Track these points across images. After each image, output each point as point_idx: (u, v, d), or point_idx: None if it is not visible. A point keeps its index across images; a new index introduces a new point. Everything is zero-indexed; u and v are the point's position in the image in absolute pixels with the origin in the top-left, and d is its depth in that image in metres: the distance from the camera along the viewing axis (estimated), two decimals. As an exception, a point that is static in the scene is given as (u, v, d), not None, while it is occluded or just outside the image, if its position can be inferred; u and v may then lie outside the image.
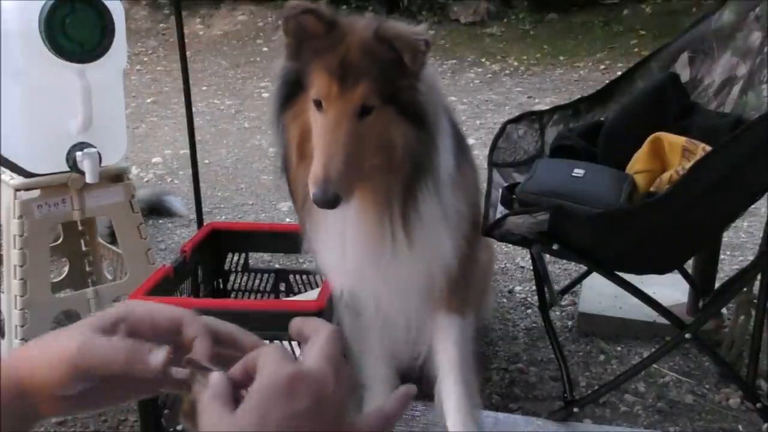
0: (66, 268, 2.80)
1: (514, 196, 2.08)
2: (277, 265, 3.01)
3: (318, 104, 1.53)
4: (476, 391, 2.01)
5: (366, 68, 1.50)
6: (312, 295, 2.18)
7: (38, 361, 0.74)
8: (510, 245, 2.43)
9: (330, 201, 1.46)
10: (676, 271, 2.50)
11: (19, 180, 2.28)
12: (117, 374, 0.73)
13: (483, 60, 8.25)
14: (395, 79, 1.53)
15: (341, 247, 1.73)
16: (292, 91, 1.61)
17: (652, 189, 2.05)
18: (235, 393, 0.69)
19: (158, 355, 0.73)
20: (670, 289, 2.61)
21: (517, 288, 3.05)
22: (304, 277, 2.47)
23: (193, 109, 2.84)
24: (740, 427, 2.16)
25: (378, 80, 1.51)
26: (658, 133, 2.16)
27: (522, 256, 3.28)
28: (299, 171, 1.67)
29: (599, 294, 2.72)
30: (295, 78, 1.60)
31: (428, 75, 1.61)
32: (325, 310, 1.83)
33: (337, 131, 1.48)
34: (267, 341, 0.85)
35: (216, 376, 0.70)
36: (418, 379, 1.97)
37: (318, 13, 1.53)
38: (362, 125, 1.51)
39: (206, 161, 4.88)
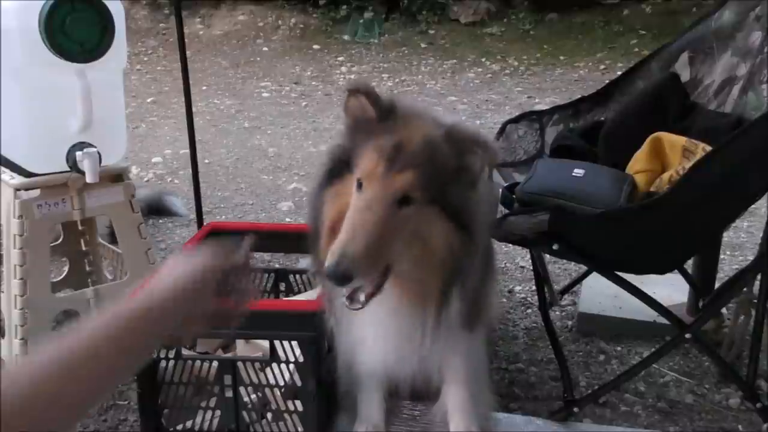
0: (66, 268, 2.80)
1: (514, 196, 2.08)
2: (277, 265, 3.01)
3: (359, 185, 1.48)
4: (489, 396, 2.02)
5: (420, 159, 1.45)
6: (312, 294, 2.18)
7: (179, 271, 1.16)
8: (510, 245, 2.44)
9: (340, 277, 1.39)
10: (676, 271, 2.50)
11: (19, 180, 2.28)
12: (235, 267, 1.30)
13: (483, 60, 8.25)
14: (449, 181, 1.49)
15: (372, 337, 1.74)
16: (338, 169, 1.57)
17: (652, 189, 2.05)
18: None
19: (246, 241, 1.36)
20: (670, 289, 2.61)
21: (517, 288, 3.05)
22: (304, 276, 2.46)
23: (193, 109, 2.84)
24: (740, 427, 2.16)
25: (429, 175, 1.45)
26: (658, 133, 2.16)
27: (522, 256, 3.28)
28: (329, 250, 1.62)
29: (599, 294, 2.72)
30: (344, 157, 1.55)
31: (484, 185, 1.56)
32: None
33: (369, 212, 1.42)
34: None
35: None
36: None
37: (374, 97, 1.51)
38: (399, 215, 1.44)
39: (206, 161, 4.88)
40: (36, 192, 2.29)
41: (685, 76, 2.42)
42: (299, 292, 2.45)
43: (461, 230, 1.52)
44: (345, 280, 1.40)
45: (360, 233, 1.40)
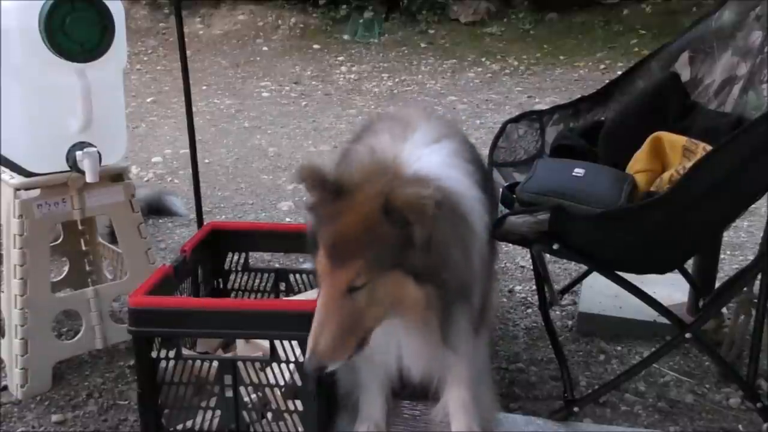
0: (66, 268, 2.80)
1: (514, 196, 2.08)
2: (277, 265, 3.01)
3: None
4: (492, 397, 2.04)
5: (360, 248, 1.52)
6: (312, 294, 2.18)
7: None
8: (510, 245, 2.44)
9: (316, 370, 1.59)
10: (676, 271, 2.50)
11: (19, 179, 2.28)
12: None
13: (483, 60, 8.25)
14: (400, 252, 1.52)
15: (388, 345, 1.78)
16: (314, 242, 1.64)
17: (652, 189, 2.05)
18: None
19: None
20: (670, 289, 2.61)
21: (517, 287, 3.05)
22: (304, 276, 2.46)
23: (193, 109, 2.84)
24: (740, 426, 2.16)
25: (375, 258, 1.52)
26: (658, 133, 2.16)
27: (522, 256, 3.28)
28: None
29: (599, 294, 2.72)
30: (313, 235, 1.63)
31: (444, 231, 1.56)
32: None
33: (327, 309, 1.55)
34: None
35: None
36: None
37: (323, 179, 1.55)
38: (357, 298, 1.54)
39: (206, 161, 4.88)
40: (36, 192, 2.29)
41: (685, 75, 2.41)
42: (299, 292, 2.45)
43: (434, 281, 1.55)
44: (320, 371, 1.60)
45: (323, 330, 1.54)
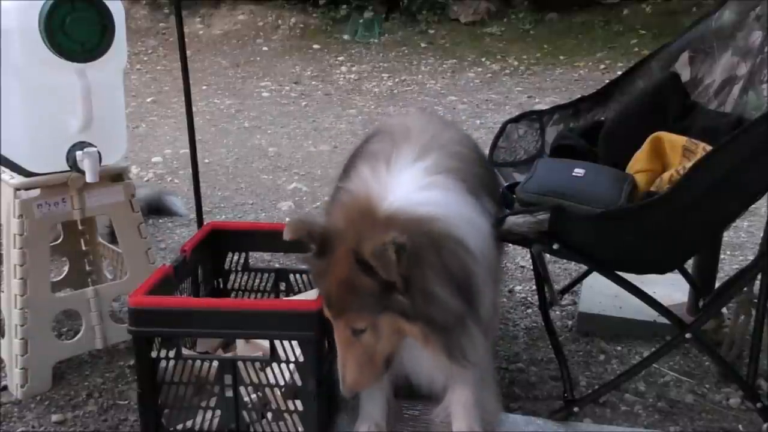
0: (66, 268, 2.80)
1: (514, 196, 2.08)
2: (277, 265, 3.01)
3: None
4: (495, 399, 2.04)
5: (349, 300, 1.64)
6: (312, 294, 2.18)
7: None
8: (510, 245, 2.43)
9: (351, 396, 1.79)
10: (676, 271, 2.50)
11: (19, 179, 2.28)
12: None
13: (483, 60, 8.25)
14: (383, 298, 1.61)
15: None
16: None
17: (652, 189, 2.05)
18: None
19: None
20: (670, 289, 2.61)
21: (517, 288, 3.05)
22: (304, 276, 2.46)
23: (193, 109, 2.84)
24: (740, 426, 2.16)
25: (362, 308, 1.64)
26: (658, 133, 2.16)
27: (522, 256, 3.28)
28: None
29: (599, 294, 2.72)
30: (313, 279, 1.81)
31: (426, 265, 1.60)
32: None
33: (342, 347, 1.70)
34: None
35: None
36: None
37: (311, 235, 1.66)
38: (361, 340, 1.68)
39: (206, 161, 4.88)
40: (36, 192, 2.29)
41: (685, 75, 2.41)
42: (299, 291, 2.45)
43: (424, 317, 1.62)
44: (356, 395, 1.83)
45: (345, 367, 1.70)
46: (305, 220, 1.72)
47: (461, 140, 2.05)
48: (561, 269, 3.18)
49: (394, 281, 1.57)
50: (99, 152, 2.25)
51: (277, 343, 1.86)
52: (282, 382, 1.88)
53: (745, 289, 2.26)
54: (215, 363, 1.92)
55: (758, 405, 2.06)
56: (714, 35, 2.36)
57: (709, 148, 1.96)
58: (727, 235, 3.33)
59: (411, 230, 1.58)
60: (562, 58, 8.16)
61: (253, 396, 1.92)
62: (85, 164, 2.22)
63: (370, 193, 1.70)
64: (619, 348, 2.57)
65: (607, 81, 2.64)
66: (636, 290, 1.99)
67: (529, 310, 2.86)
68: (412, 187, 1.71)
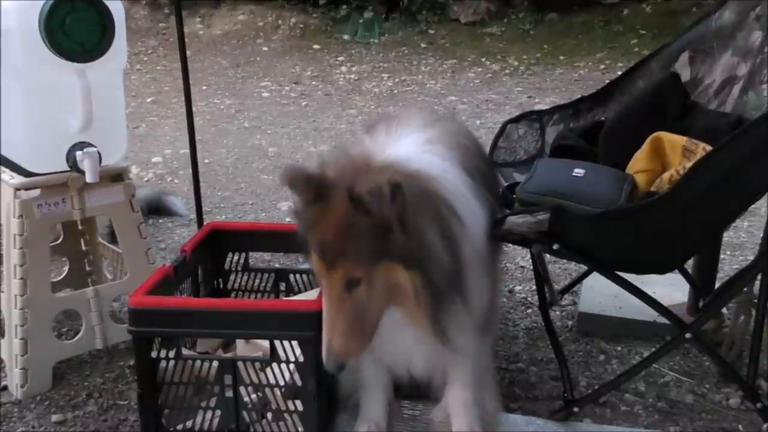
0: (66, 268, 2.80)
1: (514, 196, 2.08)
2: (277, 265, 3.01)
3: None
4: (495, 399, 2.05)
5: (344, 247, 1.56)
6: (312, 294, 2.18)
7: None
8: (510, 245, 2.43)
9: (337, 369, 1.63)
10: (676, 271, 2.50)
11: (19, 179, 2.28)
12: None
13: (483, 60, 8.25)
14: (380, 241, 1.55)
15: (388, 343, 1.79)
16: (305, 244, 1.68)
17: (652, 189, 2.05)
18: None
19: None
20: (670, 289, 2.61)
21: (517, 288, 3.05)
22: (304, 276, 2.46)
23: (193, 109, 2.84)
24: (740, 426, 2.16)
25: (360, 253, 1.56)
26: (658, 133, 2.16)
27: (522, 256, 3.28)
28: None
29: (599, 294, 2.72)
30: (302, 238, 1.67)
31: (417, 212, 1.57)
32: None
33: (332, 307, 1.60)
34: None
35: None
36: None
37: (308, 180, 1.58)
38: (357, 294, 1.59)
39: (206, 161, 4.88)
40: (36, 192, 2.29)
41: (685, 75, 2.41)
42: (299, 292, 2.45)
43: (418, 266, 1.58)
44: (341, 369, 1.64)
45: (334, 330, 1.60)
46: (300, 166, 1.65)
47: (465, 134, 2.06)
48: (561, 269, 3.18)
49: (390, 222, 1.52)
50: (99, 152, 2.25)
51: (277, 343, 1.86)
52: (282, 382, 1.88)
53: (745, 289, 2.26)
54: (215, 363, 1.92)
55: (758, 405, 2.06)
56: (714, 35, 2.36)
57: (709, 148, 1.96)
58: (727, 235, 3.33)
59: (406, 179, 1.56)
60: (562, 58, 8.16)
61: (253, 396, 1.92)
62: (85, 164, 2.22)
63: (367, 149, 1.70)
64: (619, 348, 2.57)
65: (607, 81, 2.64)
66: (636, 290, 1.99)
67: (529, 310, 2.86)
68: (411, 149, 1.71)
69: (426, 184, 1.63)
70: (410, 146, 1.73)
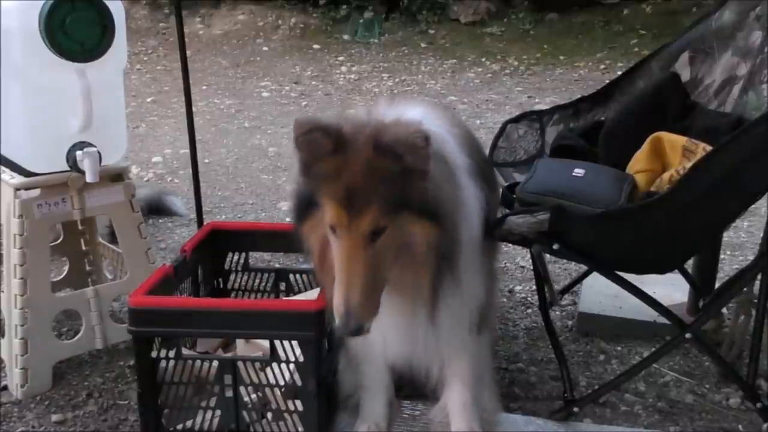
0: (66, 268, 2.80)
1: (514, 196, 2.08)
2: (277, 265, 3.01)
3: (333, 230, 1.56)
4: (493, 398, 2.05)
5: (372, 193, 1.52)
6: (312, 294, 2.18)
7: None
8: (510, 245, 2.44)
9: (353, 332, 1.53)
10: (676, 271, 2.50)
11: (19, 179, 2.28)
12: None
13: (483, 60, 8.25)
14: (404, 188, 1.53)
15: (378, 331, 1.74)
16: (307, 206, 1.63)
17: (652, 189, 2.05)
18: None
19: None
20: (670, 289, 2.61)
21: (517, 288, 3.05)
22: (304, 276, 2.46)
23: (193, 109, 2.84)
24: (740, 426, 2.16)
25: (386, 199, 1.52)
26: (658, 133, 2.16)
27: (522, 256, 3.28)
28: (324, 276, 1.70)
29: (599, 294, 2.72)
30: (308, 196, 1.62)
31: (434, 168, 1.58)
32: (325, 310, 1.82)
33: (353, 261, 1.52)
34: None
35: None
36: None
37: (324, 130, 1.53)
38: (377, 246, 1.54)
39: (206, 161, 4.88)
40: (36, 191, 2.29)
41: (685, 75, 2.41)
42: (299, 291, 2.45)
43: (433, 220, 1.56)
44: (358, 333, 1.53)
45: (353, 285, 1.51)
46: (315, 117, 1.60)
47: (461, 124, 2.06)
48: (561, 269, 3.18)
49: (418, 170, 1.51)
50: (99, 152, 2.25)
51: (277, 343, 1.86)
52: (282, 382, 1.88)
53: (745, 289, 2.26)
54: (215, 363, 1.92)
55: (758, 405, 2.06)
56: (714, 35, 2.36)
57: (709, 148, 1.96)
58: (727, 235, 3.33)
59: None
60: (562, 58, 8.16)
61: (253, 396, 1.93)
62: (85, 164, 2.22)
63: (378, 111, 1.70)
64: (619, 348, 2.57)
65: (607, 81, 2.64)
66: (636, 290, 1.99)
67: (529, 310, 2.86)
68: (412, 115, 1.72)
69: (440, 147, 1.64)
70: (411, 113, 1.73)
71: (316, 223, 1.63)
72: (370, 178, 1.52)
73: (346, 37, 9.40)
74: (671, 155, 2.11)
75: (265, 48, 9.19)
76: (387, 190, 1.52)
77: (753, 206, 2.14)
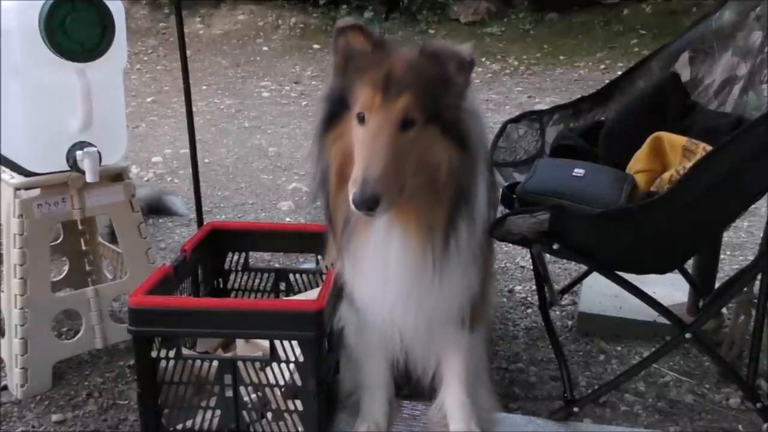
0: (66, 268, 2.80)
1: (514, 196, 2.08)
2: (277, 265, 3.01)
3: (361, 119, 1.57)
4: (490, 396, 2.05)
5: (410, 82, 1.55)
6: (312, 294, 2.18)
7: None
8: (510, 245, 2.44)
9: (369, 201, 1.47)
10: (676, 271, 2.50)
11: (19, 179, 2.28)
12: None
13: (483, 60, 8.25)
14: (440, 95, 1.56)
15: (382, 277, 1.73)
16: (336, 111, 1.65)
17: (652, 189, 2.05)
18: None
19: None
20: (670, 289, 2.61)
21: (517, 288, 3.05)
22: (304, 276, 2.47)
23: (193, 109, 2.84)
24: (740, 426, 2.16)
25: (421, 94, 1.55)
26: (658, 133, 2.16)
27: (522, 256, 3.28)
28: (339, 195, 1.67)
29: (599, 294, 2.72)
30: (339, 96, 1.63)
31: (472, 100, 1.62)
32: (325, 310, 1.83)
33: (379, 139, 1.51)
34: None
35: None
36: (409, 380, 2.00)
37: (366, 30, 1.59)
38: (404, 138, 1.54)
39: (206, 160, 4.88)
40: (36, 191, 2.29)
41: (685, 75, 2.41)
42: (299, 291, 2.45)
43: (459, 145, 1.59)
44: (373, 204, 1.47)
45: (375, 158, 1.48)
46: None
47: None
48: (561, 269, 3.18)
49: (461, 82, 1.57)
50: (99, 152, 2.25)
51: (277, 343, 1.86)
52: (282, 382, 1.88)
53: (745, 289, 2.26)
54: (215, 363, 1.92)
55: (758, 405, 2.06)
56: (714, 35, 2.36)
57: (709, 148, 1.96)
58: (727, 235, 3.33)
59: None
60: (562, 58, 8.16)
61: (253, 396, 1.93)
62: (85, 164, 2.22)
63: None
64: (619, 348, 2.57)
65: (607, 81, 2.64)
66: (636, 290, 1.99)
67: (529, 310, 2.86)
68: None
69: (478, 108, 1.72)
70: None
71: (342, 131, 1.63)
72: (411, 72, 1.56)
73: (346, 36, 9.39)
74: (671, 155, 2.11)
75: (265, 48, 9.19)
76: (424, 89, 1.55)
77: (753, 206, 2.14)
